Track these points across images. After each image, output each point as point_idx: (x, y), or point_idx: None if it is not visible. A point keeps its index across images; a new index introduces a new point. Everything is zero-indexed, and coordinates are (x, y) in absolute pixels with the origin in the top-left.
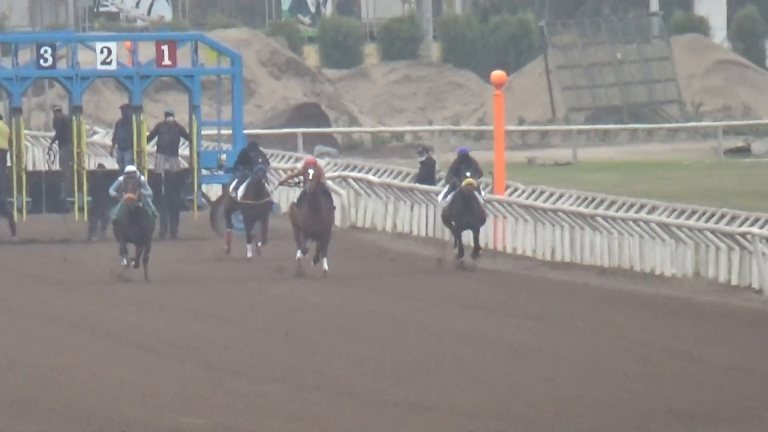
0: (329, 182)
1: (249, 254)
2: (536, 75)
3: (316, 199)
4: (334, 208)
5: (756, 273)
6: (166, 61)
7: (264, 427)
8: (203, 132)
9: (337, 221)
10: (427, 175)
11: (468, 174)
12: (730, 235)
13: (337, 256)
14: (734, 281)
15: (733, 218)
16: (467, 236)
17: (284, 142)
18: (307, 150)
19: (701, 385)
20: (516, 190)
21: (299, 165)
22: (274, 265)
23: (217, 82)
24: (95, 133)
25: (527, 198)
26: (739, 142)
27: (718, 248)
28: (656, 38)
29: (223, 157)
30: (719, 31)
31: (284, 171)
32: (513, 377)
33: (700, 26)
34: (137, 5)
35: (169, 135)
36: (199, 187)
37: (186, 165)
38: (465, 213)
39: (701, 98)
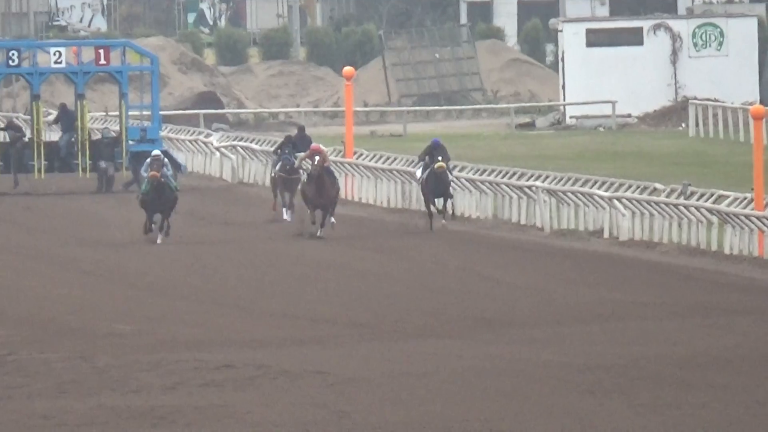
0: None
1: (286, 217)
2: (376, 70)
3: (321, 179)
4: (338, 188)
5: (539, 215)
6: (102, 61)
7: (173, 331)
8: (130, 113)
9: (228, 178)
10: (303, 145)
11: (440, 158)
12: (520, 188)
13: (227, 205)
14: (523, 221)
15: (522, 174)
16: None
17: (189, 120)
18: (206, 125)
19: (500, 299)
20: (361, 155)
21: (213, 139)
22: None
23: (140, 76)
24: (50, 114)
25: (370, 161)
26: (526, 119)
27: (511, 197)
28: (465, 42)
29: (144, 132)
30: (511, 38)
31: (189, 142)
32: (360, 294)
33: (498, 33)
34: (81, 20)
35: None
36: (127, 153)
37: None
38: (438, 185)
39: (498, 87)
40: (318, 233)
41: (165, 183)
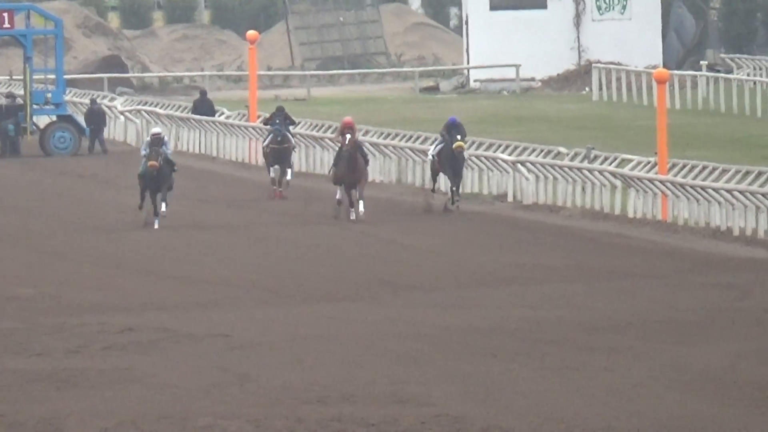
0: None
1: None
2: (280, 34)
3: (353, 156)
4: (368, 162)
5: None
6: (6, 25)
7: (77, 295)
8: (34, 77)
9: (132, 142)
10: (204, 108)
11: (459, 137)
12: (423, 152)
13: (131, 169)
14: (427, 185)
15: (426, 139)
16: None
17: (93, 84)
18: (110, 89)
19: (404, 263)
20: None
21: (117, 103)
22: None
23: (44, 40)
24: None
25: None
26: (430, 83)
27: (415, 161)
28: (368, 6)
29: (49, 95)
30: (415, 1)
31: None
32: (263, 258)
33: None
34: None
35: None
36: (31, 117)
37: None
38: (452, 162)
39: (402, 50)
40: (352, 216)
41: (162, 166)
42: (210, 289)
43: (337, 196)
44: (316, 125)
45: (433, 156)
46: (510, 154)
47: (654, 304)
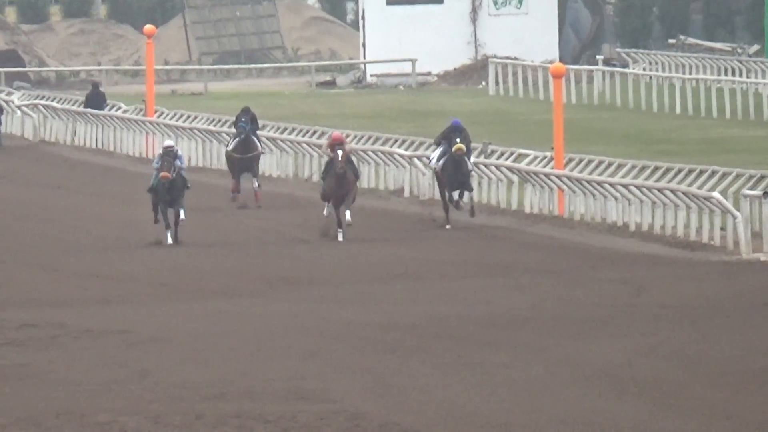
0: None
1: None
2: (177, 28)
3: (343, 175)
4: (359, 176)
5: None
6: None
7: None
8: None
9: (29, 137)
10: (97, 101)
11: (458, 140)
12: (320, 146)
13: (30, 164)
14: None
15: (323, 133)
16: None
17: None
18: (7, 83)
19: (302, 259)
20: (162, 113)
21: (14, 98)
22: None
23: None
24: None
25: (170, 119)
26: (327, 77)
27: (311, 156)
28: (265, 1)
29: None
30: None
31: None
32: (163, 254)
33: None
34: None
35: None
36: None
37: None
38: (456, 174)
39: (299, 45)
40: (340, 238)
41: (175, 179)
42: (110, 285)
43: (324, 212)
44: (213, 119)
45: (434, 166)
46: (406, 149)
47: (551, 300)
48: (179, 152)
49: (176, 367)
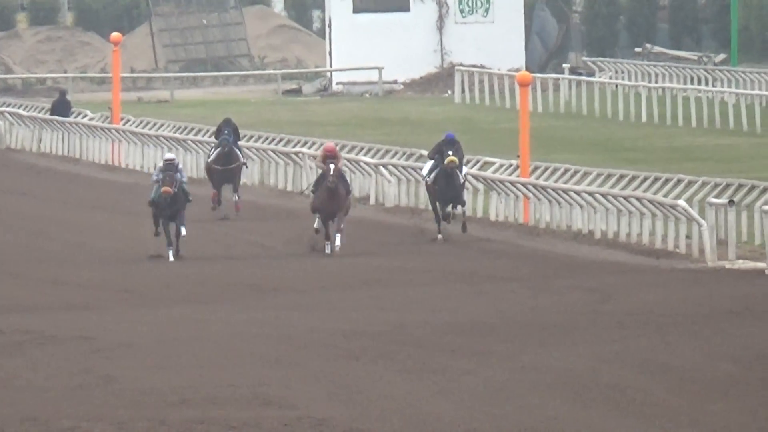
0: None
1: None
2: (143, 36)
3: (335, 189)
4: (350, 191)
5: (305, 182)
6: None
7: None
8: None
9: None
10: (62, 109)
11: (450, 153)
12: (286, 154)
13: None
14: (289, 188)
15: (289, 141)
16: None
17: None
18: None
19: (267, 265)
20: (128, 121)
21: None
22: None
23: None
24: None
25: (137, 127)
26: (293, 85)
27: (277, 163)
28: (232, 8)
29: None
30: (278, 3)
31: None
32: (128, 260)
33: (265, 0)
34: None
35: None
36: None
37: None
38: (448, 189)
39: (265, 53)
40: (327, 250)
41: (177, 194)
42: (74, 291)
43: (315, 225)
44: (179, 127)
45: (426, 179)
46: (372, 157)
47: (516, 307)
48: (180, 165)
49: (141, 373)
